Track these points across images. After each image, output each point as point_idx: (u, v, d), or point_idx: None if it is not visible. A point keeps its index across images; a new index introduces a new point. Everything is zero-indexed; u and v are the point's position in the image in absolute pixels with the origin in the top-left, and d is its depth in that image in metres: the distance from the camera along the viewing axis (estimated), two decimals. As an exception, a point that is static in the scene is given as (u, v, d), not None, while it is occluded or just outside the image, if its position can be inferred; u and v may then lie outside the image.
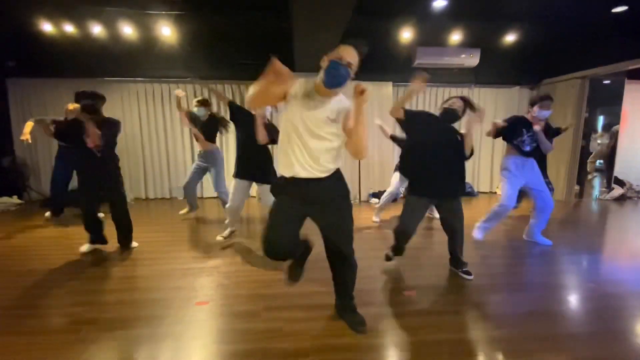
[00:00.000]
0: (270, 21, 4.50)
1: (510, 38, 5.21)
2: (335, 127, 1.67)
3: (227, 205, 3.41)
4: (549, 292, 2.45)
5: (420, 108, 5.93)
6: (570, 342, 1.84)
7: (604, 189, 5.96)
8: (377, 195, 5.49)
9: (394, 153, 5.94)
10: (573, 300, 2.38)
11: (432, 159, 2.45)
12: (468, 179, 6.07)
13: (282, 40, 4.87)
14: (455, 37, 5.09)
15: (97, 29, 4.55)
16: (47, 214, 4.28)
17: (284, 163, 1.72)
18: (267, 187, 3.27)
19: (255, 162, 3.16)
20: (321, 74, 1.61)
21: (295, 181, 1.69)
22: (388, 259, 2.81)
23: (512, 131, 3.13)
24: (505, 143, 3.30)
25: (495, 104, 6.02)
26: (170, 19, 4.44)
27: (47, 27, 4.52)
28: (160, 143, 5.61)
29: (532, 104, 3.20)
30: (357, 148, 1.65)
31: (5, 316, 2.06)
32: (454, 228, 2.56)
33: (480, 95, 5.97)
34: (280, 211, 1.76)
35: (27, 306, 2.18)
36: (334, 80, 1.58)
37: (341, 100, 1.70)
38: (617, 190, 5.69)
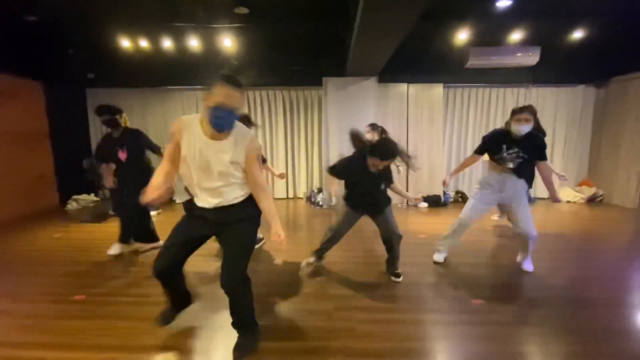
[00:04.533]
0: (324, 29, 4.62)
1: (575, 34, 4.90)
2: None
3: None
4: (618, 308, 2.30)
5: (472, 109, 5.76)
6: None
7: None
8: (427, 199, 5.41)
9: (444, 157, 5.82)
10: None
11: None
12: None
13: (331, 47, 4.99)
14: (515, 35, 4.88)
15: (164, 43, 4.96)
16: None
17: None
18: None
19: None
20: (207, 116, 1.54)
21: None
22: None
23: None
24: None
25: (556, 104, 5.67)
26: (231, 31, 4.73)
27: (122, 42, 5.00)
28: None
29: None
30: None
31: (112, 303, 2.35)
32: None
33: (539, 95, 5.65)
34: None
35: (131, 294, 2.47)
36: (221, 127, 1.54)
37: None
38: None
